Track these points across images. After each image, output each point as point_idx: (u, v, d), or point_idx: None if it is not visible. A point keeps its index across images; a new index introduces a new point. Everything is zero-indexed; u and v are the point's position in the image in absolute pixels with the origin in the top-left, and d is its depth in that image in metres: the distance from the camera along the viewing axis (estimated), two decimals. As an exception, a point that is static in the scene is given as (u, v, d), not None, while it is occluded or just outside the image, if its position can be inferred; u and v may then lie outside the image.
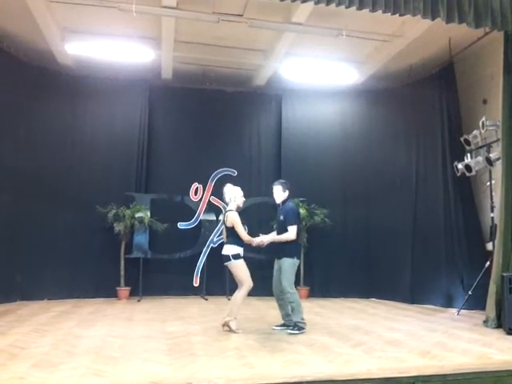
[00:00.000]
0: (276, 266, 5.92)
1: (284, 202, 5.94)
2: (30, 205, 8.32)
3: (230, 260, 5.64)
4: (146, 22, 7.54)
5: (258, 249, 6.21)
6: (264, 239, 5.85)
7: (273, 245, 5.92)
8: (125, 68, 8.90)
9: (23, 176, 8.34)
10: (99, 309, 7.51)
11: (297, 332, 5.54)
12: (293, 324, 5.68)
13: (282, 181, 6.11)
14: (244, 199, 5.97)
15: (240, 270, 5.66)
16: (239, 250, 5.69)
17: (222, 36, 8.06)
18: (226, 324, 5.62)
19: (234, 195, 5.86)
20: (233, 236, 5.73)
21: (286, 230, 5.74)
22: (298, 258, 5.91)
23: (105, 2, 6.84)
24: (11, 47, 8.23)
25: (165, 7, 6.89)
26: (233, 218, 5.68)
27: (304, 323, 5.67)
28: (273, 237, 5.94)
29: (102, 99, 9.23)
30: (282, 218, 5.83)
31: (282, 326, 5.87)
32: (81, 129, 9.09)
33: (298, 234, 5.89)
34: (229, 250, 5.68)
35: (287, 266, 5.70)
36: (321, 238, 9.19)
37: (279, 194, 5.94)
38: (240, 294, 5.65)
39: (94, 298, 8.52)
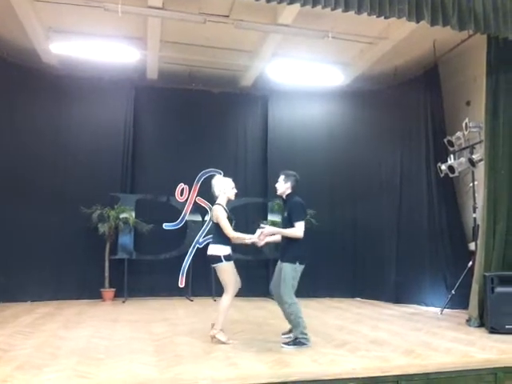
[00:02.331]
0: (277, 268, 5.30)
1: (288, 196, 5.33)
2: (13, 205, 8.22)
3: (222, 261, 5.07)
4: (132, 21, 7.51)
5: (257, 248, 5.66)
6: (265, 231, 5.19)
7: (278, 244, 5.46)
8: (110, 68, 8.85)
9: (6, 176, 8.25)
10: (83, 310, 7.45)
11: (292, 347, 4.87)
12: (293, 339, 5.00)
13: (288, 172, 5.42)
14: (235, 191, 5.40)
15: (228, 273, 5.12)
16: (229, 251, 5.16)
17: (209, 36, 8.05)
18: (214, 337, 5.08)
19: (223, 187, 5.33)
20: (220, 234, 5.17)
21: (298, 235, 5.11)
22: (302, 262, 5.11)
23: (90, 1, 6.78)
24: (-5, 46, 8.15)
25: (150, 7, 6.86)
26: (217, 213, 5.14)
27: (306, 338, 4.96)
28: (276, 229, 5.34)
29: (87, 99, 9.14)
30: (285, 214, 5.25)
31: (290, 331, 5.26)
32: (65, 129, 8.99)
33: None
34: (218, 250, 5.11)
35: (287, 273, 5.05)
36: (306, 238, 9.16)
37: (280, 184, 5.34)
38: (224, 302, 5.11)
39: (78, 300, 8.44)
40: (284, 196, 5.37)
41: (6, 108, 8.39)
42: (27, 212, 8.35)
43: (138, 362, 4.16)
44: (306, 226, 8.44)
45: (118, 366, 4.01)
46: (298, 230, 5.07)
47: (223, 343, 5.01)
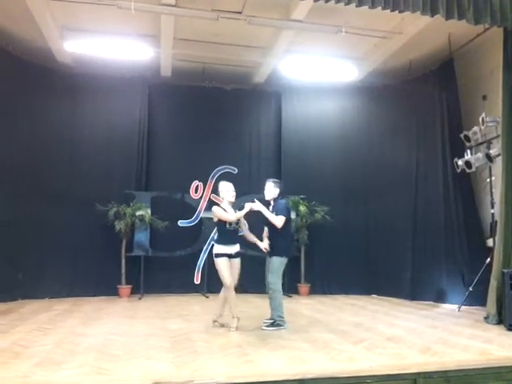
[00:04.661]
0: (267, 263, 5.99)
1: (275, 199, 5.98)
2: (30, 203, 8.32)
3: (214, 258, 5.69)
4: (145, 19, 7.55)
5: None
6: (254, 205, 5.81)
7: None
8: (124, 66, 8.90)
9: (23, 174, 8.35)
10: (101, 307, 7.52)
11: (272, 329, 5.61)
12: (271, 322, 5.74)
13: (275, 179, 6.19)
14: (233, 194, 5.90)
15: (218, 268, 5.63)
16: (220, 249, 5.66)
17: (221, 33, 8.06)
18: (215, 321, 5.86)
19: (224, 190, 5.89)
20: (217, 233, 5.86)
21: (277, 228, 5.79)
22: (287, 256, 5.94)
23: (103, -1, 6.83)
24: (10, 45, 8.22)
25: (164, 5, 6.88)
26: (214, 212, 5.74)
27: (282, 320, 5.72)
28: (263, 207, 5.83)
29: (101, 97, 9.23)
30: (274, 214, 5.85)
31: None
32: (80, 127, 9.08)
33: (286, 228, 5.88)
34: (214, 248, 5.80)
35: (275, 264, 5.78)
36: (321, 235, 9.20)
37: (270, 189, 5.99)
38: (228, 294, 5.64)
39: (95, 297, 8.53)
40: (272, 200, 6.01)
41: (22, 106, 8.47)
42: (44, 210, 8.45)
43: (155, 359, 4.19)
44: (320, 222, 8.64)
45: (135, 363, 4.04)
46: (278, 220, 5.78)
47: (231, 329, 5.54)
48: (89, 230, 8.72)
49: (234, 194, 5.91)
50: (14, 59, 8.32)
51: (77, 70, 9.00)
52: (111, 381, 3.59)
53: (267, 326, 5.68)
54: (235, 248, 5.75)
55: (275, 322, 5.69)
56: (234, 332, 5.47)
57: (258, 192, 9.02)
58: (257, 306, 7.45)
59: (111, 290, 8.64)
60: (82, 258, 8.64)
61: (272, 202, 6.02)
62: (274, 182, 6.07)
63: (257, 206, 5.82)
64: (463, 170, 7.81)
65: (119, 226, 8.52)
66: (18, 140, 8.40)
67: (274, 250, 5.85)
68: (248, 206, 5.80)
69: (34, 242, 8.33)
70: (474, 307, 7.14)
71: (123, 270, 8.68)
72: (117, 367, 3.89)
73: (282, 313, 5.74)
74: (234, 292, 5.65)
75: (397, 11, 5.70)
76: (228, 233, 5.75)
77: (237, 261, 5.75)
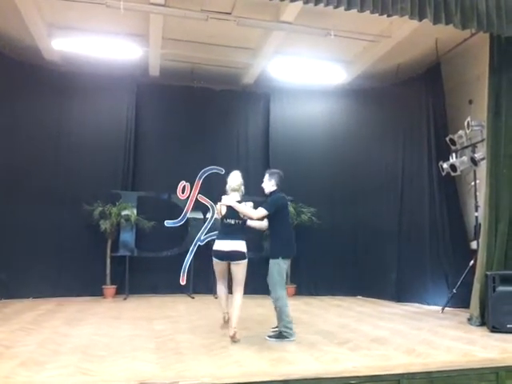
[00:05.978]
0: None
1: (272, 192, 5.48)
2: (15, 202, 8.23)
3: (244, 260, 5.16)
4: (134, 18, 7.50)
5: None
6: (227, 201, 5.30)
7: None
8: (112, 65, 8.84)
9: (8, 172, 8.26)
10: (85, 307, 7.46)
11: (275, 340, 5.09)
12: (277, 332, 5.20)
13: (272, 170, 5.68)
14: (228, 188, 5.48)
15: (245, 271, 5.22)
16: (215, 246, 5.24)
17: (211, 34, 8.04)
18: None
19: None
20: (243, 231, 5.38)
21: (273, 223, 5.36)
22: (285, 257, 5.30)
23: (92, -2, 6.79)
24: (-4, 42, 8.15)
25: (153, 4, 6.86)
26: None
27: (289, 332, 5.13)
28: (235, 203, 5.24)
29: (88, 96, 9.14)
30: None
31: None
32: (67, 126, 9.00)
33: (279, 227, 5.38)
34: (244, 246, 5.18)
35: (270, 269, 5.26)
36: (308, 236, 9.21)
37: (266, 182, 5.53)
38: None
39: (79, 297, 8.45)
40: (269, 194, 5.55)
41: (8, 105, 8.39)
42: (29, 209, 8.35)
43: (140, 360, 4.17)
44: (306, 224, 8.56)
45: (119, 364, 4.02)
46: (255, 212, 5.29)
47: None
48: (74, 230, 8.63)
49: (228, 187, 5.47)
50: (0, 57, 8.22)
51: (65, 68, 8.93)
52: (95, 381, 3.57)
53: (270, 337, 5.17)
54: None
55: (280, 333, 5.13)
56: (220, 332, 5.37)
57: (245, 192, 9.04)
58: (243, 307, 7.41)
59: (96, 291, 8.57)
60: (67, 257, 8.53)
61: (270, 195, 5.51)
62: (268, 173, 5.57)
63: (227, 201, 5.29)
64: (448, 173, 7.90)
65: (104, 225, 8.45)
66: (3, 138, 8.30)
67: (270, 252, 5.45)
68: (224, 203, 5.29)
69: (18, 242, 8.23)
70: (457, 309, 7.22)
71: (108, 270, 8.61)
72: (101, 368, 3.87)
73: (288, 323, 5.15)
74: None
75: (385, 15, 5.74)
76: None
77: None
